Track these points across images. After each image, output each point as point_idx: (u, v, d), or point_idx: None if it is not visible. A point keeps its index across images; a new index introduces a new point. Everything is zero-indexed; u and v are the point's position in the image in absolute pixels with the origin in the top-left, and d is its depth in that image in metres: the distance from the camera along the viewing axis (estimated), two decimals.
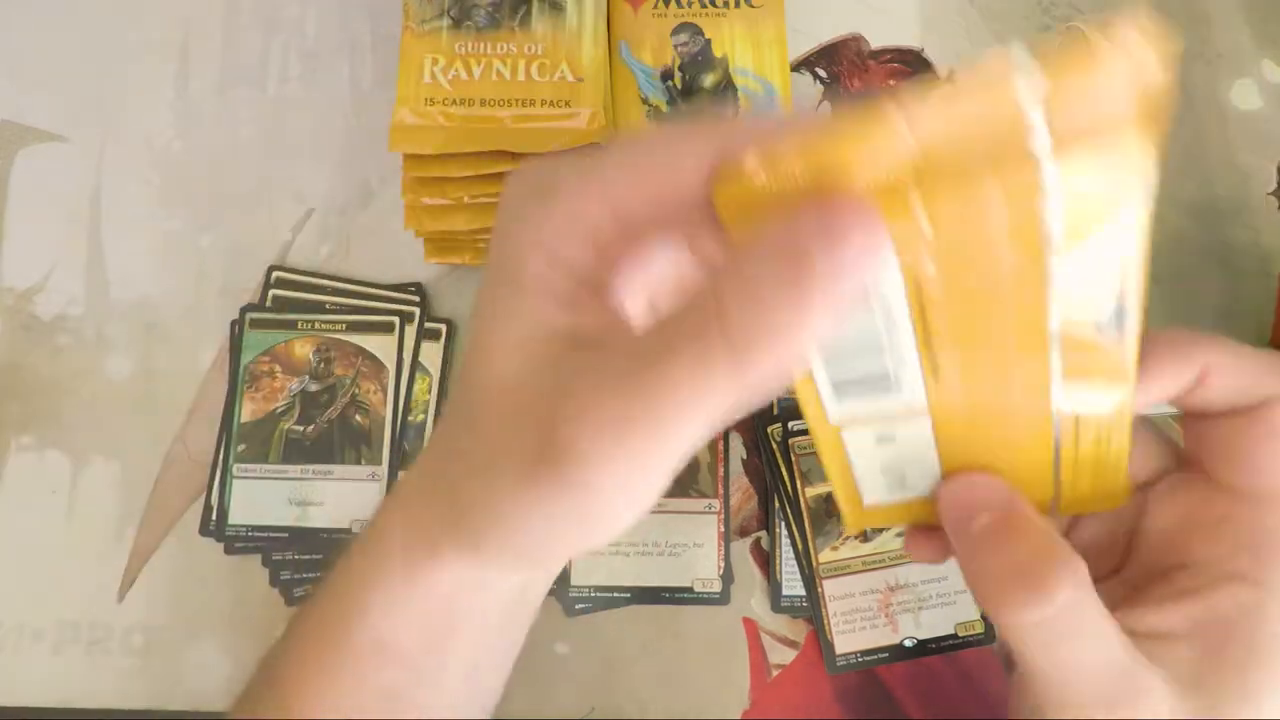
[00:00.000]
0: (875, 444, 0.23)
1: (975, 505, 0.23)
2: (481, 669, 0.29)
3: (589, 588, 0.41)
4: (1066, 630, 0.22)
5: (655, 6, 0.45)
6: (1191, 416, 0.25)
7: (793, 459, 0.42)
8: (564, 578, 0.41)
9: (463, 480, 0.25)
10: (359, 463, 0.42)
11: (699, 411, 0.19)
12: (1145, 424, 0.25)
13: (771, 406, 0.42)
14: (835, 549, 0.41)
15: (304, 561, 0.41)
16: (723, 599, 0.41)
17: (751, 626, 0.41)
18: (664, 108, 0.43)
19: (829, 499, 0.42)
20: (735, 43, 0.44)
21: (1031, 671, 0.23)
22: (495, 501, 0.23)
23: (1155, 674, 0.22)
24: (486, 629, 0.28)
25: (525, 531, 0.23)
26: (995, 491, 0.23)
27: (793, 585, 0.41)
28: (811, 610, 0.41)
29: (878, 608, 0.41)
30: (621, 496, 0.21)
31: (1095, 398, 0.21)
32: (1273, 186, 0.47)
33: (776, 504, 0.42)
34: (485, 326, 0.22)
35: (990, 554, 0.22)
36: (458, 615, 0.27)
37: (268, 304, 0.44)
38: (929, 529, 0.26)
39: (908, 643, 0.40)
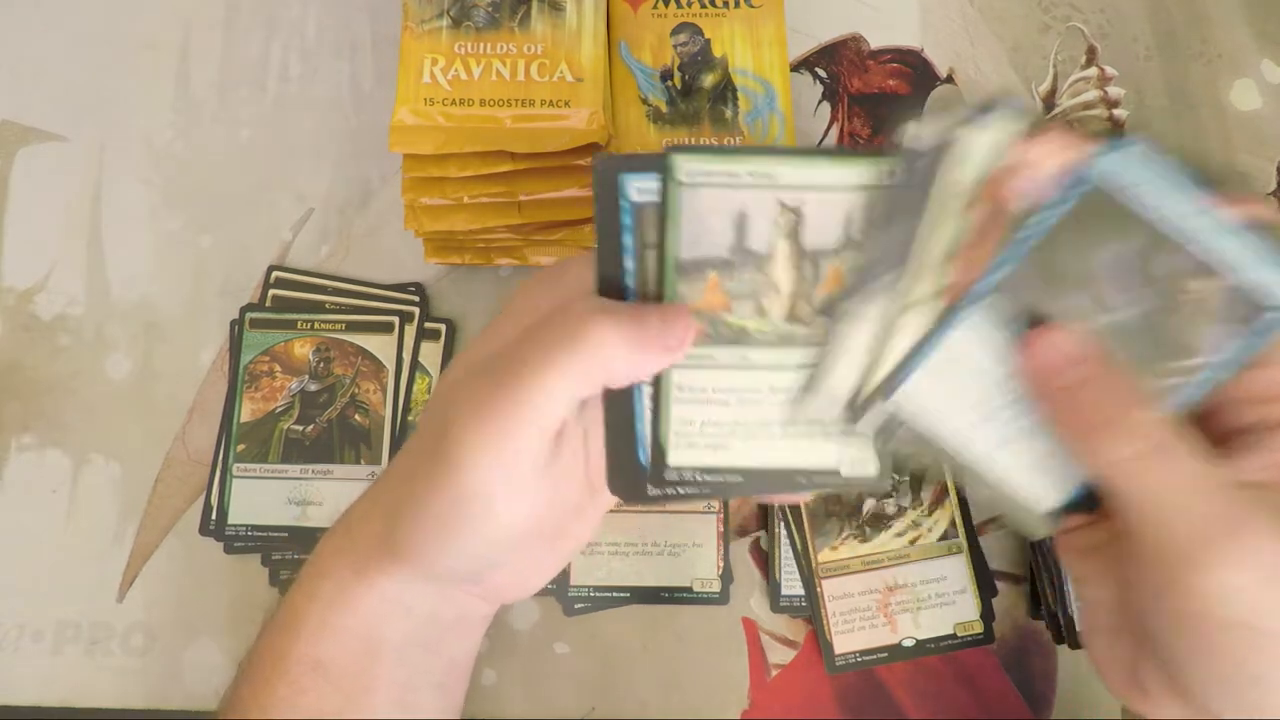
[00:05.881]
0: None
1: (1060, 362, 0.24)
2: (417, 689, 0.29)
3: (588, 588, 0.41)
4: (1162, 456, 0.23)
5: (655, 6, 0.45)
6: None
7: None
8: (564, 577, 0.41)
9: (385, 495, 0.28)
10: (358, 462, 0.42)
11: (550, 391, 0.24)
12: None
13: None
14: (834, 549, 0.41)
15: (303, 561, 0.41)
16: (722, 599, 0.41)
17: (751, 626, 0.41)
18: (663, 107, 0.43)
19: (827, 499, 0.42)
20: (735, 43, 0.44)
21: (1132, 508, 0.23)
22: (408, 509, 0.26)
23: (1258, 501, 0.22)
24: (411, 649, 0.29)
25: (427, 534, 0.26)
26: (1074, 346, 0.24)
27: (792, 585, 0.41)
28: (810, 610, 0.41)
29: (877, 608, 0.41)
30: (495, 473, 0.24)
31: None
32: (1273, 187, 0.47)
33: (775, 504, 0.42)
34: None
35: (1080, 399, 0.24)
36: (381, 638, 0.28)
37: (268, 304, 0.44)
38: (1076, 534, 0.27)
39: (907, 642, 0.40)
